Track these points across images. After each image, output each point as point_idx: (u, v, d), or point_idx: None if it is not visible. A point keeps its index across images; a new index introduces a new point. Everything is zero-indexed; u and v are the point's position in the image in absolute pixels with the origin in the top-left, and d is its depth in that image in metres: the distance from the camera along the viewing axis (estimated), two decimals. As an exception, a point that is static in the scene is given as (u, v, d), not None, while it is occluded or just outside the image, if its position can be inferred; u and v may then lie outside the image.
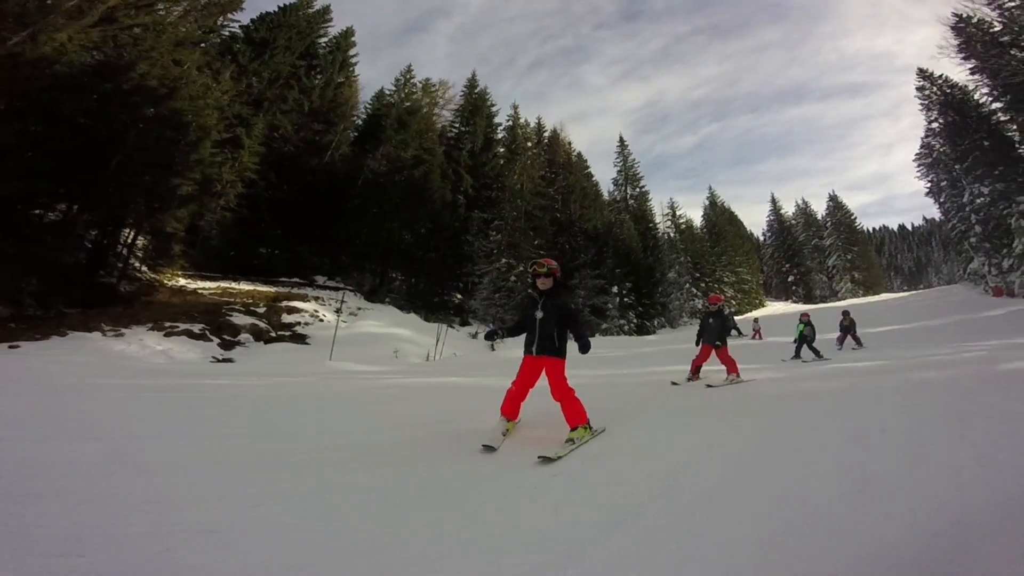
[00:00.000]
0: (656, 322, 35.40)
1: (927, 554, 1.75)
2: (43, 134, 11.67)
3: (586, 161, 40.51)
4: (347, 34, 32.18)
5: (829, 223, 70.23)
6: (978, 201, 28.77)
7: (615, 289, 30.50)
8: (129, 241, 14.32)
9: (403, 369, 11.02)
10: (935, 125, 32.90)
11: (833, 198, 72.47)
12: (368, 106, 32.64)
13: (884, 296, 52.86)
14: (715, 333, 6.97)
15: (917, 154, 35.56)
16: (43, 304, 11.45)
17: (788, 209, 75.34)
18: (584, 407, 3.61)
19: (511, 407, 3.74)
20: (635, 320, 30.97)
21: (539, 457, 3.17)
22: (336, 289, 20.27)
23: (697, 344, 7.25)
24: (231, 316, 13.41)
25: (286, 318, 14.81)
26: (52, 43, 12.00)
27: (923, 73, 33.33)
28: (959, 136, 29.33)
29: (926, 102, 33.30)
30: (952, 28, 28.14)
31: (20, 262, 10.92)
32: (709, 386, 6.17)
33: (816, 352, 11.11)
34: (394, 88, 33.80)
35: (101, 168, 12.50)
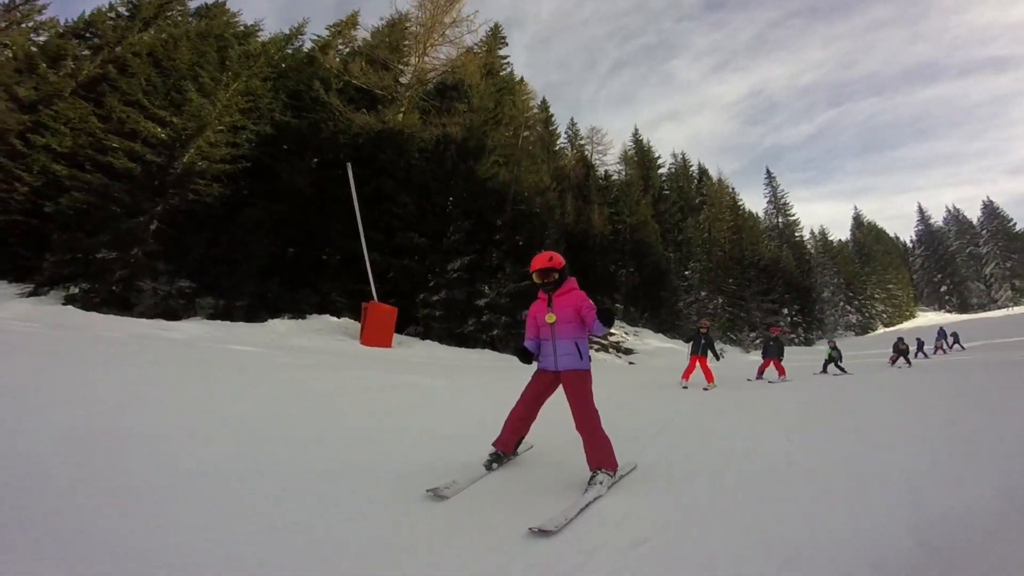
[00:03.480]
0: (815, 334, 43.06)
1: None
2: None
3: (740, 198, 49.39)
4: (545, 106, 42.73)
5: (985, 231, 70.36)
6: None
7: (785, 311, 39.03)
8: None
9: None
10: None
11: (987, 205, 72.69)
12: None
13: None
14: (775, 351, 11.44)
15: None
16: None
17: (937, 214, 75.82)
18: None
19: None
20: (803, 335, 39.20)
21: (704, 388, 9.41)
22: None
23: (763, 357, 11.95)
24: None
25: (614, 340, 25.99)
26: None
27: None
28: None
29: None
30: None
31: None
32: (771, 382, 10.80)
33: (841, 369, 13.55)
34: (567, 141, 44.97)
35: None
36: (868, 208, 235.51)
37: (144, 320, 11.80)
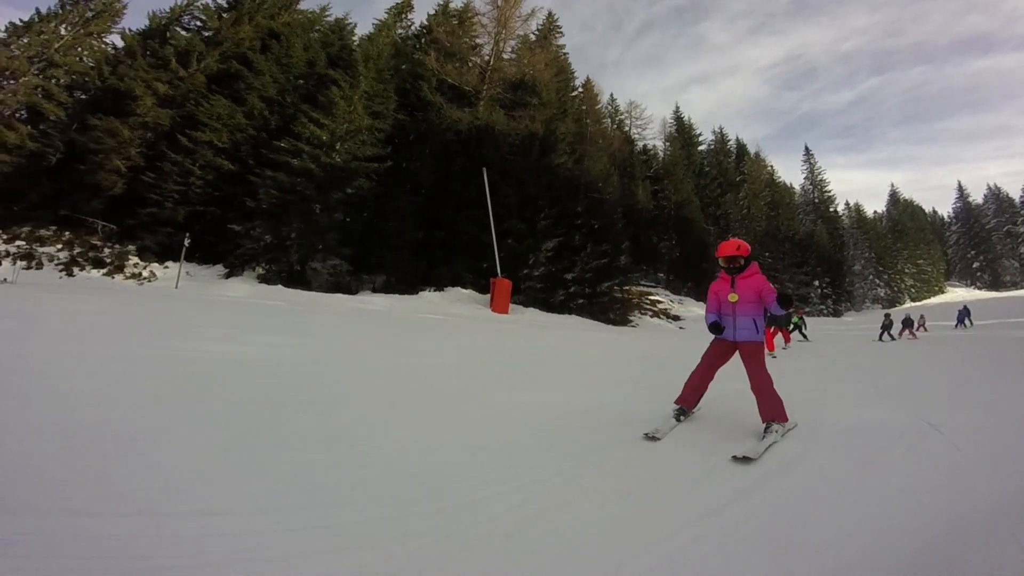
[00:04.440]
0: (843, 306, 46.26)
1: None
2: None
3: (778, 175, 51.69)
4: (588, 86, 44.31)
5: (1024, 211, 70.54)
6: None
7: (816, 283, 42.27)
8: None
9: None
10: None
11: (1031, 183, 72.34)
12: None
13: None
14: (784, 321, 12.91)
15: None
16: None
17: (978, 190, 75.64)
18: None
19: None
20: (832, 305, 42.54)
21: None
22: (653, 286, 35.49)
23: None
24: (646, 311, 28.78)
25: (662, 307, 29.92)
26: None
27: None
28: None
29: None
30: None
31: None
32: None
33: (804, 336, 16.26)
34: (608, 117, 46.84)
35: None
36: (906, 179, 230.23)
37: (340, 295, 16.26)
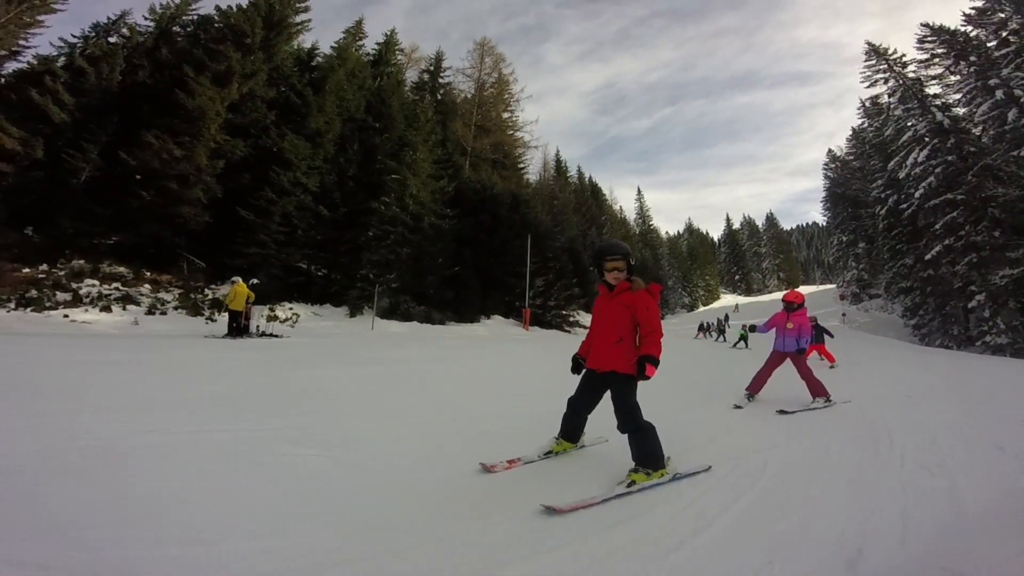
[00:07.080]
0: (665, 312, 66.16)
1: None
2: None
3: (620, 208, 70.26)
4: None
5: (765, 236, 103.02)
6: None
7: (651, 296, 60.81)
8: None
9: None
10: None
11: (769, 217, 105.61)
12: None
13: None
14: (818, 338, 13.20)
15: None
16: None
17: (737, 209, 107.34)
18: None
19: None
20: (663, 313, 61.65)
21: None
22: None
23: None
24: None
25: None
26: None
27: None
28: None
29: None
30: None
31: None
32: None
33: (746, 345, 22.04)
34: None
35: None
36: (683, 199, 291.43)
37: (453, 324, 25.31)
